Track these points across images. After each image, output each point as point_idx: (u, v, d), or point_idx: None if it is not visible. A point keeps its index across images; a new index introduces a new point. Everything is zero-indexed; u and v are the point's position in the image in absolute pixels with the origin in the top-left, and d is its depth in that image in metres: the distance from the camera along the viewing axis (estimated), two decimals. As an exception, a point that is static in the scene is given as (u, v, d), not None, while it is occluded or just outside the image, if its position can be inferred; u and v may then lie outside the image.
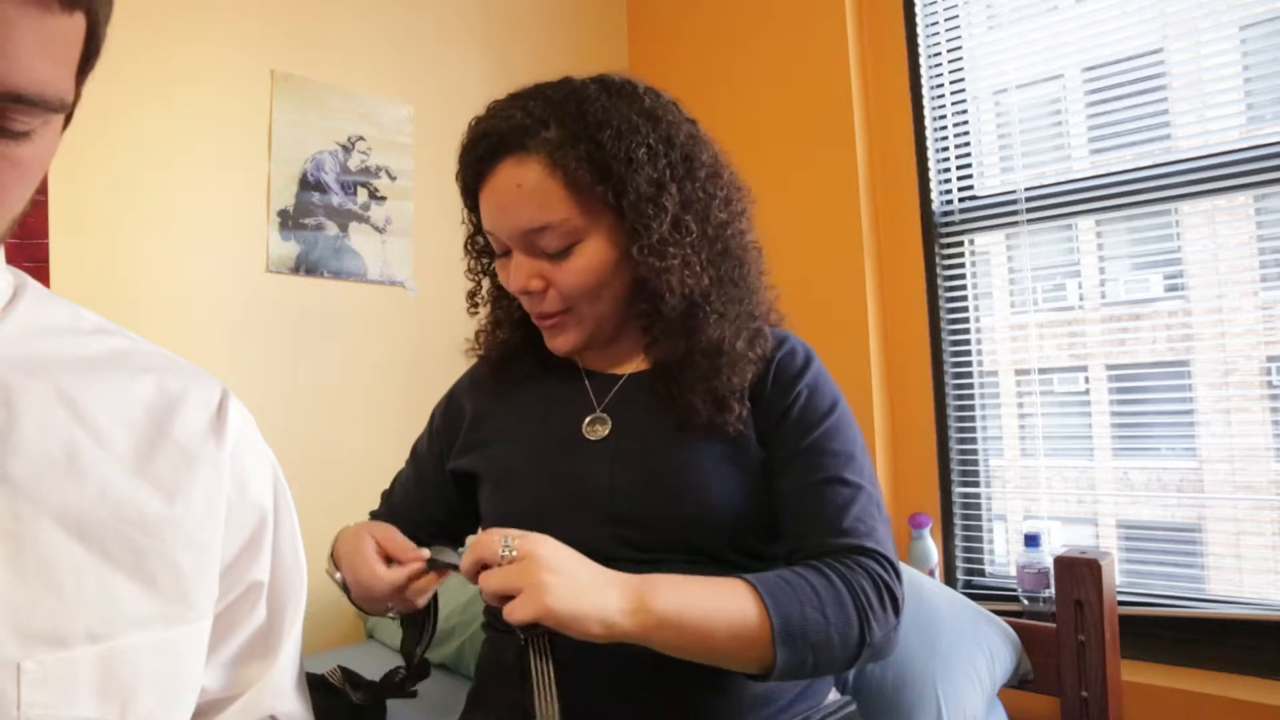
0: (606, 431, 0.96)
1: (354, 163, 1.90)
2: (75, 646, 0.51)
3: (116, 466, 0.55)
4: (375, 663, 1.60)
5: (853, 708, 1.00)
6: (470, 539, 0.80)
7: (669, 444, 0.93)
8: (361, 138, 1.91)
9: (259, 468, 0.65)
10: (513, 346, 1.05)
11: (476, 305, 1.08)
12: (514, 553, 0.74)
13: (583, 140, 0.87)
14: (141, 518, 0.55)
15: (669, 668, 0.83)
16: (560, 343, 0.96)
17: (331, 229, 1.86)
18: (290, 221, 1.80)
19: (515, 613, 0.72)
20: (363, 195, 1.92)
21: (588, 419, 0.98)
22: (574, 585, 0.73)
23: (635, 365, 1.01)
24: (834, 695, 1.02)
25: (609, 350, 1.02)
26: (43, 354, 0.56)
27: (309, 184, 1.82)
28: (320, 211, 1.84)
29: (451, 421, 1.09)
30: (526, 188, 0.88)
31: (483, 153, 0.91)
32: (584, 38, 2.45)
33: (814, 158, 2.11)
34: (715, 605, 0.78)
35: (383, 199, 1.95)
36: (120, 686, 0.53)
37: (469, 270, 1.07)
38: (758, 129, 2.19)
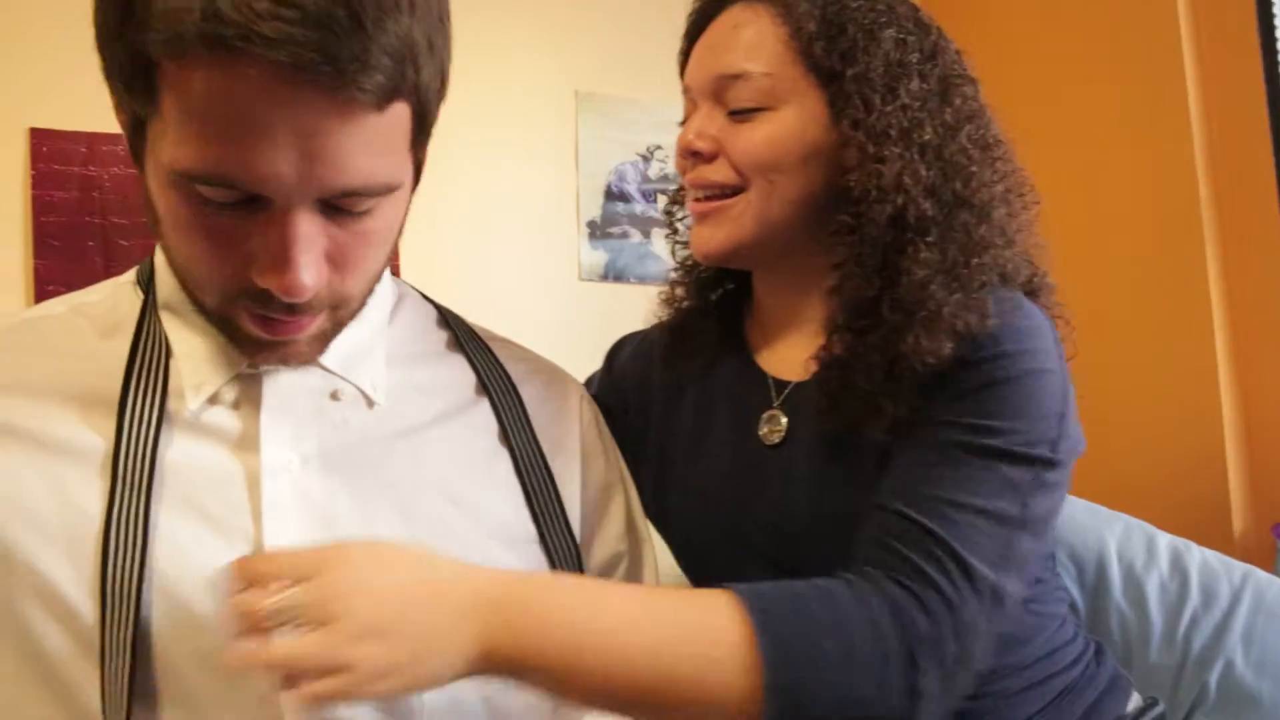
0: (782, 435, 0.78)
1: (653, 171, 1.98)
2: None
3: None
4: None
5: (1160, 709, 0.80)
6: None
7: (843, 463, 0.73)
8: (659, 146, 1.99)
9: (607, 448, 0.78)
10: (691, 311, 0.89)
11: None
12: (299, 617, 0.47)
13: (829, 2, 0.73)
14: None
15: None
16: (709, 236, 0.76)
17: (635, 236, 1.95)
18: (598, 231, 1.91)
19: (323, 697, 0.48)
20: (663, 202, 1.99)
21: (765, 415, 0.79)
22: (408, 652, 0.49)
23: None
24: (1135, 700, 0.80)
25: (787, 338, 0.82)
26: (416, 351, 0.68)
27: (613, 194, 1.92)
28: (624, 220, 1.94)
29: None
30: (743, 29, 0.75)
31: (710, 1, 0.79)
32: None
33: (1141, 122, 1.92)
34: (645, 634, 0.54)
35: (680, 204, 2.02)
36: None
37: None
38: (1075, 96, 2.03)
